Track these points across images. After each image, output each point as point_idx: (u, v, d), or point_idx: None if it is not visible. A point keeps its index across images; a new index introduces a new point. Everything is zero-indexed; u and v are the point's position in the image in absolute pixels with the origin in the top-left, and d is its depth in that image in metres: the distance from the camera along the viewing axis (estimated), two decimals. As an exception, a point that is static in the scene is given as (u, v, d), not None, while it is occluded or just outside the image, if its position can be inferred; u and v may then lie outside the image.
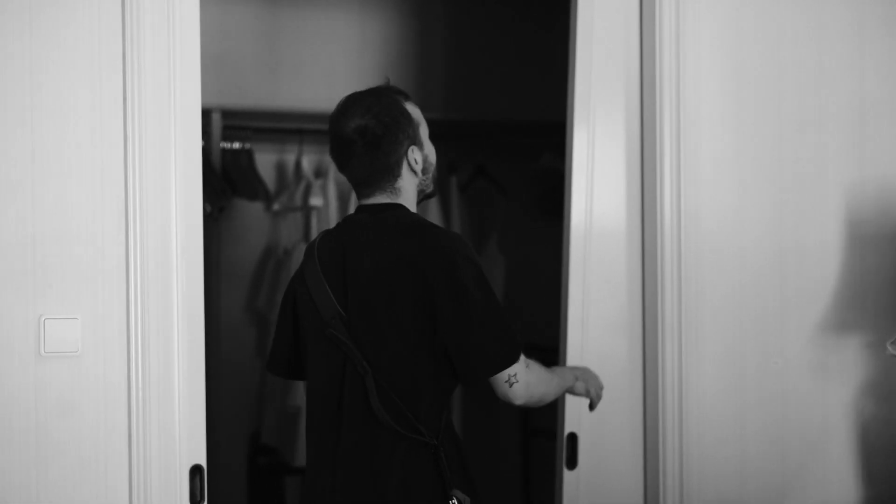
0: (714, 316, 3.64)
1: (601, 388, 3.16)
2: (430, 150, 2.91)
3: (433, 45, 5.83)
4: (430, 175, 2.95)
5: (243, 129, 5.23)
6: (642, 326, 3.66)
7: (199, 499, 3.02)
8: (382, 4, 5.75)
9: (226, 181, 5.12)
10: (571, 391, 3.14)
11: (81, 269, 2.92)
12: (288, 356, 2.98)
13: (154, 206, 2.98)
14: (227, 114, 5.06)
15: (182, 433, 3.01)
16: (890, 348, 3.50)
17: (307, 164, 5.31)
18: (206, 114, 4.83)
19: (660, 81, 3.59)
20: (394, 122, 2.82)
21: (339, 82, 5.51)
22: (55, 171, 2.90)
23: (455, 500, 2.72)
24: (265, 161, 5.43)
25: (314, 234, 5.18)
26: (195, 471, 3.02)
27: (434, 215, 5.27)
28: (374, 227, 2.84)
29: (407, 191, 2.88)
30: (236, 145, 5.24)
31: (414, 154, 2.84)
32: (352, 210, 5.02)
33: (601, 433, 3.61)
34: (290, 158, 5.42)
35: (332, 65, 5.61)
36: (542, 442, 5.30)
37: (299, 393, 5.10)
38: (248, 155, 5.27)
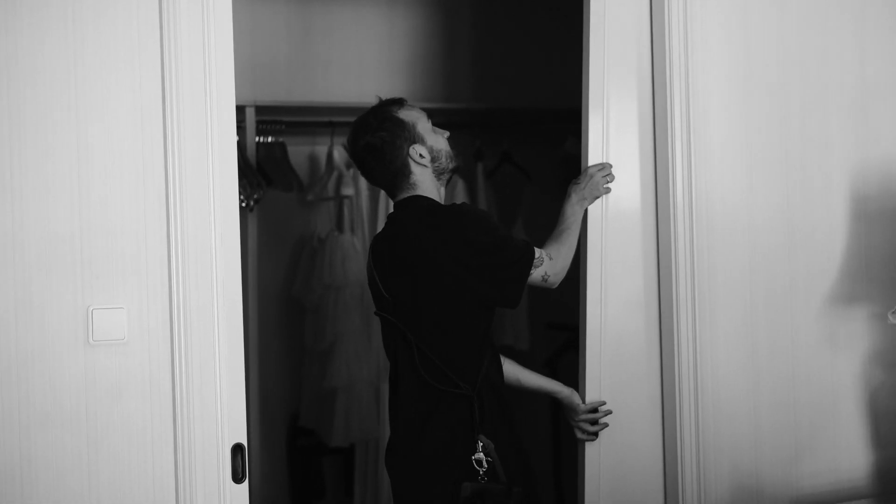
0: (726, 292, 3.68)
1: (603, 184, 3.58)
2: (433, 139, 3.34)
3: (459, 38, 5.89)
4: (443, 158, 3.36)
5: (276, 123, 5.28)
6: (658, 304, 3.69)
7: (241, 475, 3.08)
8: (410, 2, 5.81)
9: (261, 174, 5.17)
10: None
11: (126, 261, 2.97)
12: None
13: (193, 201, 3.03)
14: (261, 109, 5.12)
15: (223, 413, 3.06)
16: (892, 318, 3.55)
17: (338, 155, 5.35)
18: (240, 110, 4.91)
19: (670, 70, 3.61)
20: (389, 133, 3.30)
21: (368, 76, 5.65)
22: (100, 168, 2.95)
23: (481, 443, 3.17)
24: (298, 153, 5.49)
25: (346, 222, 5.31)
26: (236, 449, 3.07)
27: (461, 200, 5.30)
28: (402, 219, 3.30)
29: (423, 182, 3.33)
30: (270, 139, 5.29)
31: (417, 150, 3.30)
32: (383, 201, 5.27)
33: (621, 406, 3.65)
34: (322, 150, 5.48)
35: (361, 59, 5.69)
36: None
37: (335, 375, 5.20)
38: (281, 148, 5.34)
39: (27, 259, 2.89)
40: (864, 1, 3.91)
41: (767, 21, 3.77)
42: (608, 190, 3.58)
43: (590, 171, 3.56)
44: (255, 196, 5.05)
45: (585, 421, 3.58)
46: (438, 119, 5.34)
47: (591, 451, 3.65)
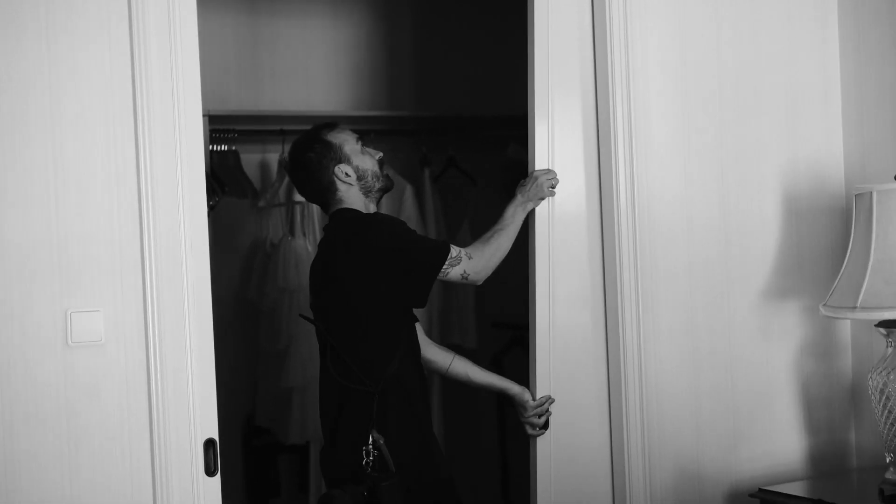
0: (668, 287, 3.75)
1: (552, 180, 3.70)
2: (360, 160, 3.59)
3: (403, 47, 5.92)
4: (369, 177, 3.60)
5: (229, 132, 5.29)
6: (604, 299, 3.76)
7: (213, 469, 3.15)
8: (353, 10, 5.82)
9: (215, 181, 5.16)
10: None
11: (102, 266, 3.04)
12: None
13: (164, 208, 3.10)
14: (214, 118, 5.11)
15: (195, 410, 3.14)
16: (823, 310, 3.58)
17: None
18: (194, 119, 4.96)
19: (612, 77, 3.68)
20: (316, 153, 3.56)
21: (315, 84, 5.67)
22: (75, 178, 3.02)
23: (371, 437, 3.38)
24: (249, 161, 5.49)
25: (298, 227, 5.30)
26: (209, 444, 3.15)
27: (410, 205, 5.42)
28: (327, 232, 3.58)
29: (349, 198, 3.59)
30: (223, 147, 5.29)
31: (343, 169, 3.55)
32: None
33: (570, 398, 3.72)
34: (273, 158, 5.48)
35: (308, 68, 5.71)
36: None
37: (291, 375, 5.21)
38: (234, 156, 5.35)
39: (8, 266, 2.97)
40: (791, 11, 4.00)
41: (703, 31, 3.85)
42: (553, 192, 3.69)
43: (535, 174, 3.68)
44: (211, 203, 4.99)
45: (534, 415, 3.70)
46: (383, 125, 5.44)
47: (542, 442, 3.72)
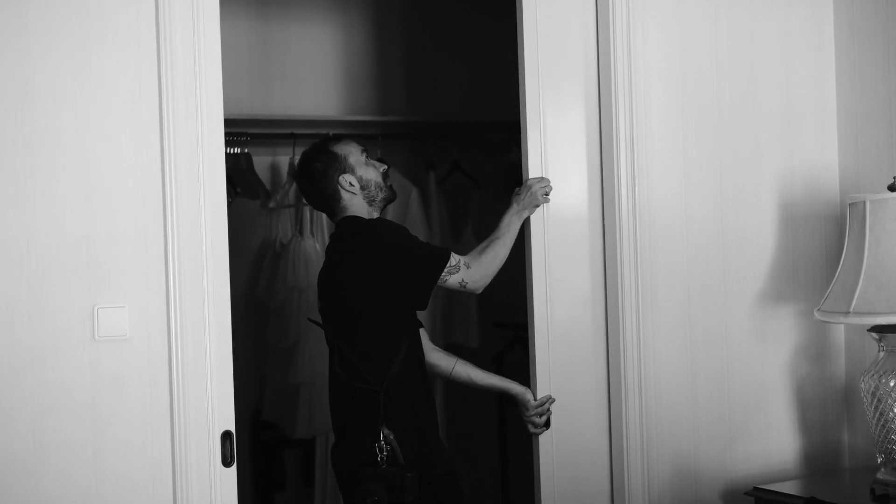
0: (667, 289, 3.79)
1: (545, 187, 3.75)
2: (364, 170, 3.70)
3: (414, 54, 5.97)
4: (372, 187, 3.70)
5: (243, 136, 5.36)
6: (604, 299, 3.80)
7: (229, 459, 3.24)
8: (365, 16, 5.88)
9: (229, 183, 5.03)
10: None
11: (128, 265, 3.14)
12: None
13: (186, 210, 3.20)
14: (228, 122, 5.00)
15: (213, 403, 3.22)
16: (817, 315, 3.58)
17: (300, 165, 5.45)
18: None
19: (615, 88, 3.73)
20: (322, 164, 3.68)
21: (326, 90, 5.74)
22: (104, 182, 3.13)
23: (382, 434, 3.48)
24: (260, 163, 5.56)
25: (307, 228, 5.38)
26: (226, 436, 3.24)
27: (415, 207, 5.50)
28: (335, 235, 3.68)
29: (353, 205, 3.69)
30: (237, 150, 5.36)
31: (347, 179, 3.66)
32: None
33: (570, 396, 3.76)
34: (284, 160, 5.56)
35: (320, 74, 5.78)
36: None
37: (298, 371, 5.27)
38: (247, 158, 5.42)
39: (40, 263, 3.08)
40: (790, 29, 4.04)
41: (702, 44, 3.88)
42: (547, 199, 3.75)
43: (529, 182, 3.76)
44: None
45: (536, 415, 3.77)
46: (393, 130, 5.43)
47: (544, 440, 3.77)
